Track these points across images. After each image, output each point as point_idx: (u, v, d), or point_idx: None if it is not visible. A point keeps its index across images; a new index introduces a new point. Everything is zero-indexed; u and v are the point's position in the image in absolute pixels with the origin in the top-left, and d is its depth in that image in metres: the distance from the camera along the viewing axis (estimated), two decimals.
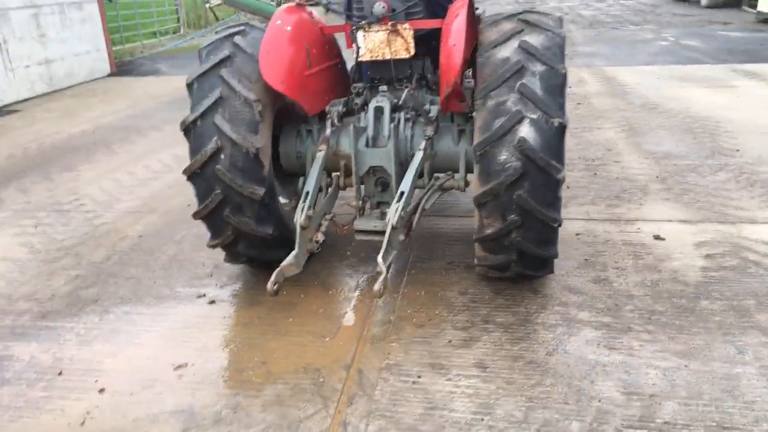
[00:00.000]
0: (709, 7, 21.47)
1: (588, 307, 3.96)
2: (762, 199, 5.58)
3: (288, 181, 4.72)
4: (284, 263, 3.69)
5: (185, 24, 21.63)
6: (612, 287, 4.19)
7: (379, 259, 3.65)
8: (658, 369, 3.34)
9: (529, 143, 3.46)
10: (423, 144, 4.07)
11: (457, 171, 4.30)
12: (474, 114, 3.69)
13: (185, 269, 4.75)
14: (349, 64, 4.90)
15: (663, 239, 4.86)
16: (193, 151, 3.87)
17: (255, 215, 3.96)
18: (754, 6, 17.93)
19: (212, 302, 4.24)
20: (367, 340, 3.72)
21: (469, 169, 4.25)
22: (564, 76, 3.55)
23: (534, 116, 3.49)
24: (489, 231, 3.73)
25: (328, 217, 4.14)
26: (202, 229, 5.40)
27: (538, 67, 3.54)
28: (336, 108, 4.34)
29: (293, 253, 3.75)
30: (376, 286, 3.46)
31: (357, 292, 4.29)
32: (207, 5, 21.33)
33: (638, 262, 4.53)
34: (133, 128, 9.18)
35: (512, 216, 3.62)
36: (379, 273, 3.58)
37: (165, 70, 14.96)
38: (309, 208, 3.88)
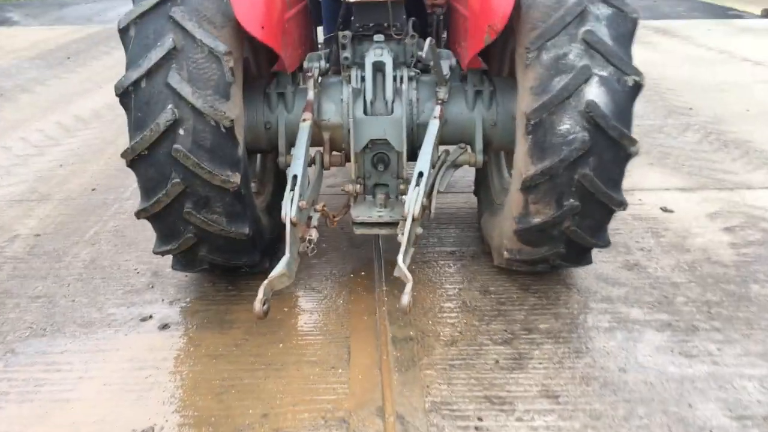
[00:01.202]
0: None
1: (636, 301, 3.35)
2: (743, 161, 5.28)
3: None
4: (274, 274, 2.74)
5: None
6: (649, 274, 3.61)
7: (400, 261, 2.80)
8: (753, 379, 2.79)
9: (600, 108, 2.72)
10: (438, 110, 3.20)
11: (469, 143, 3.47)
12: (521, 70, 2.87)
13: (113, 279, 3.59)
14: None
15: (671, 211, 4.38)
16: (137, 125, 2.75)
17: (227, 211, 2.94)
18: None
19: (164, 326, 3.17)
20: (392, 369, 2.87)
21: (486, 140, 3.45)
22: (635, 23, 2.81)
23: (604, 73, 2.74)
24: (537, 220, 2.97)
25: (318, 207, 3.18)
26: (120, 222, 4.26)
27: (603, 10, 2.78)
28: (316, 63, 3.34)
29: (284, 259, 2.80)
30: (404, 300, 2.62)
31: (352, 298, 3.40)
32: None
33: (660, 240, 3.99)
34: None
35: (571, 200, 2.88)
36: (398, 278, 2.79)
37: (18, 20, 12.74)
38: (300, 197, 2.92)
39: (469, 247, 3.92)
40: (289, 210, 2.87)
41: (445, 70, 3.28)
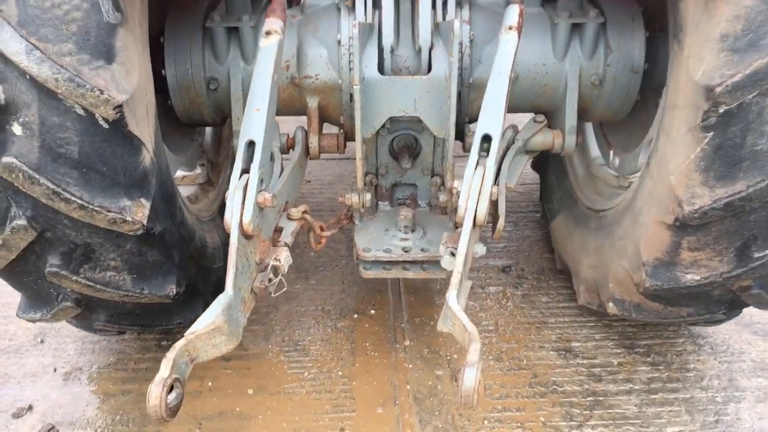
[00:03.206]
0: None
1: None
2: None
3: (180, 135, 2.28)
4: (198, 328, 1.38)
5: None
6: None
7: (453, 304, 1.47)
8: None
9: None
10: (516, 16, 1.77)
11: (550, 113, 2.09)
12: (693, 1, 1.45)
13: None
14: None
15: None
16: None
17: (131, 264, 1.61)
18: None
19: (50, 430, 1.91)
20: None
21: (581, 109, 2.06)
22: None
23: None
24: (694, 277, 1.66)
25: (294, 212, 1.83)
26: None
27: None
28: None
29: (219, 300, 1.44)
30: (467, 381, 1.27)
31: (357, 366, 2.14)
32: None
33: None
34: None
35: (767, 251, 1.55)
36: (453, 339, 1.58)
37: None
38: (261, 183, 1.59)
39: (530, 259, 2.63)
40: (237, 209, 1.52)
41: None
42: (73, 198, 1.41)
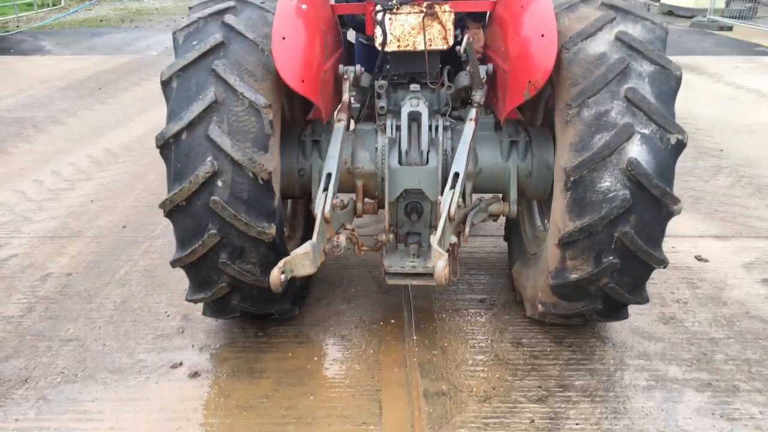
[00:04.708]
0: None
1: (673, 358, 3.27)
2: None
3: None
4: (297, 251, 2.60)
5: None
6: (686, 328, 3.53)
7: (435, 245, 2.67)
8: None
9: (642, 166, 2.68)
10: (474, 113, 3.21)
11: (503, 192, 3.45)
12: (560, 126, 2.85)
13: (144, 323, 3.59)
14: None
15: (706, 260, 4.29)
16: (177, 176, 2.76)
17: (261, 261, 2.92)
18: None
19: (195, 375, 3.15)
20: (424, 426, 2.81)
21: (520, 190, 3.42)
22: (679, 80, 2.78)
23: (646, 131, 2.71)
24: (574, 276, 2.92)
25: (348, 226, 3.14)
26: (150, 261, 4.27)
27: (646, 67, 2.75)
28: (351, 68, 3.36)
29: (309, 242, 2.65)
30: (437, 271, 2.52)
31: (383, 348, 3.35)
32: None
33: (696, 291, 3.91)
34: (28, 121, 7.57)
35: (610, 257, 2.83)
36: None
37: (51, 49, 12.99)
38: (334, 195, 2.90)
39: (500, 295, 3.86)
40: (322, 205, 2.81)
41: (483, 74, 3.28)
42: (242, 219, 2.76)
